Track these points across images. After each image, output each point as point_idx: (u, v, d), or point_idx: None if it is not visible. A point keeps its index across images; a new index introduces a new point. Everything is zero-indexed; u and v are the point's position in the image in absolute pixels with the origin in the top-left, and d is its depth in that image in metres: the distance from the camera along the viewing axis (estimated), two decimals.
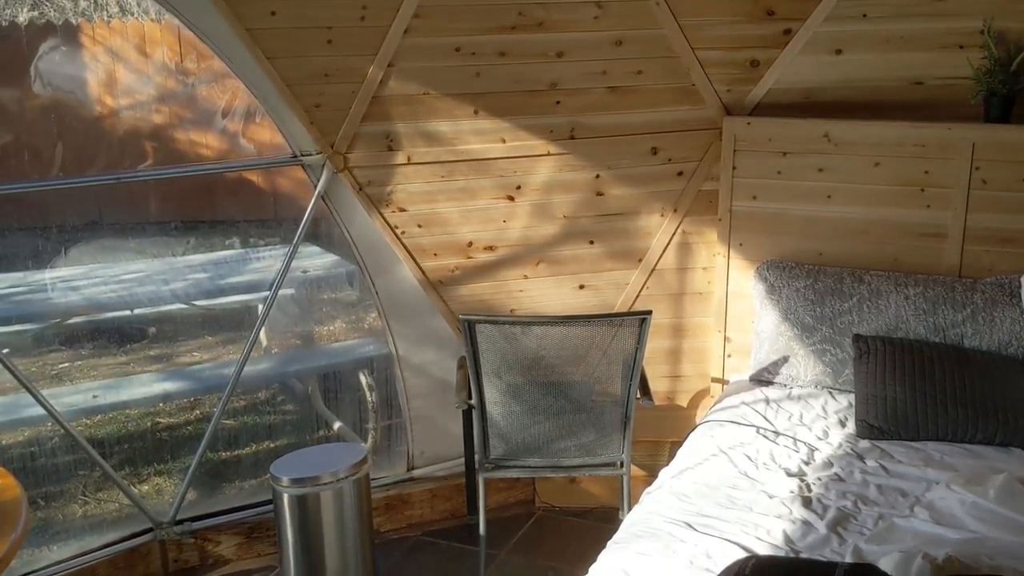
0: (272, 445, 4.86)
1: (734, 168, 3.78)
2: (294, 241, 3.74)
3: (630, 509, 3.37)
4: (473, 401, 3.27)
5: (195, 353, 5.72)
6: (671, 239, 3.93)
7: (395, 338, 3.93)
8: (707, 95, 3.75)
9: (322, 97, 3.48)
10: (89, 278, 5.24)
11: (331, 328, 5.36)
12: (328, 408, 4.93)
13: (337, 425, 4.79)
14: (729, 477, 2.83)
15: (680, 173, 3.87)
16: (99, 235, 5.55)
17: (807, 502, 2.67)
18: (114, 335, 5.53)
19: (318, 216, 3.83)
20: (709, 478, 2.83)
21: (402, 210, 3.73)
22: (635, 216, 3.91)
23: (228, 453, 4.79)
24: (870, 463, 2.93)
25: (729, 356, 3.94)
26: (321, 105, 3.50)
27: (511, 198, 3.80)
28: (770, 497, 2.70)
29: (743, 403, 3.41)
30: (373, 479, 3.99)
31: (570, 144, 3.76)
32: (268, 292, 3.87)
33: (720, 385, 3.96)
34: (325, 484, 3.41)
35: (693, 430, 3.35)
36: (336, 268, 5.01)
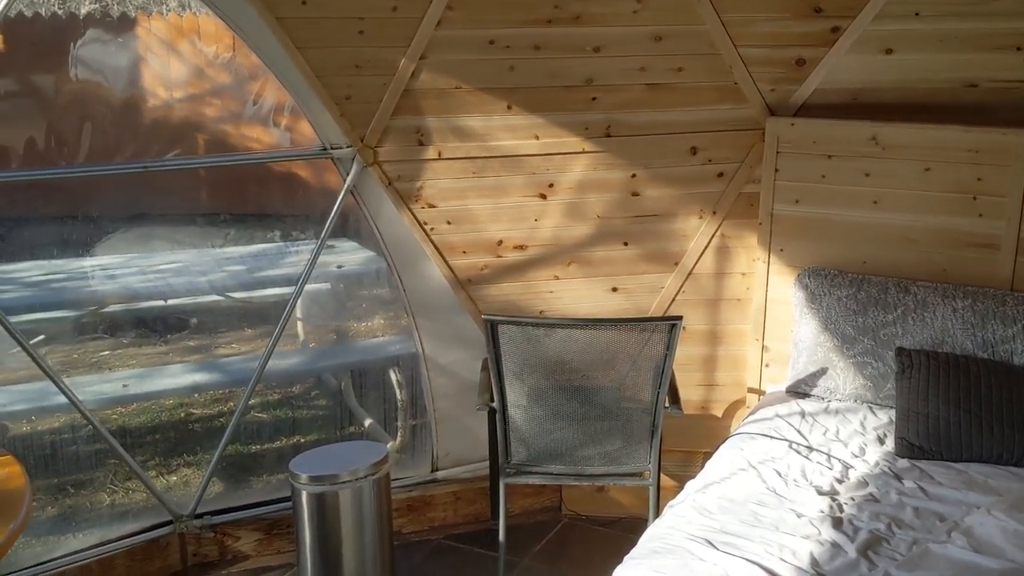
0: (300, 440, 4.82)
1: (776, 170, 3.63)
2: (321, 236, 3.68)
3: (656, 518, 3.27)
4: (495, 403, 3.18)
5: (234, 345, 5.71)
6: (709, 242, 3.80)
7: (422, 336, 3.86)
8: (750, 94, 3.62)
9: (353, 89, 3.42)
10: (127, 267, 5.25)
11: (365, 324, 5.31)
12: (359, 405, 4.89)
13: (368, 422, 4.73)
14: (756, 493, 2.70)
15: (720, 174, 3.73)
16: (139, 224, 5.58)
17: (838, 523, 2.53)
18: (156, 324, 5.55)
19: (348, 211, 3.77)
20: (735, 493, 2.71)
21: (431, 206, 3.65)
22: (672, 218, 3.78)
23: (256, 446, 4.76)
24: (908, 483, 2.78)
25: (767, 366, 3.79)
26: (352, 97, 3.43)
27: (543, 196, 3.70)
28: (798, 516, 2.57)
29: (777, 415, 3.27)
30: (396, 479, 3.93)
31: (606, 142, 3.65)
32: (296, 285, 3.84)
33: (756, 396, 3.82)
34: (344, 483, 3.34)
35: (723, 442, 3.22)
36: (371, 264, 4.95)
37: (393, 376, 4.68)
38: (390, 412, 4.67)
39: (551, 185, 3.68)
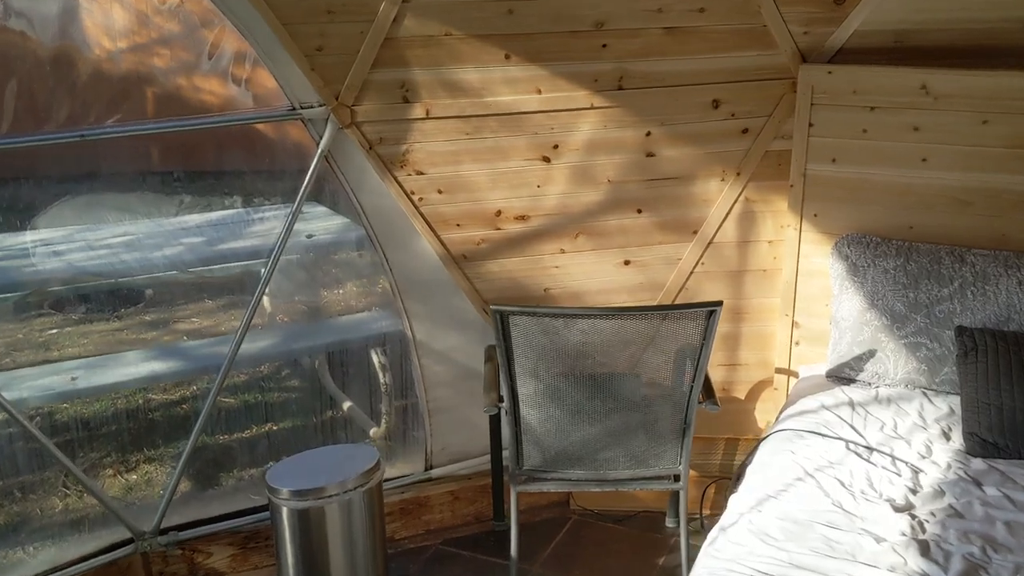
0: (273, 428, 4.38)
1: (811, 125, 3.20)
2: (293, 208, 3.20)
3: (686, 529, 2.89)
4: (505, 404, 2.76)
5: (194, 319, 5.22)
6: (732, 207, 3.38)
7: (412, 321, 3.41)
8: (780, 37, 3.16)
9: (325, 39, 2.92)
10: (71, 241, 4.70)
11: (339, 300, 4.84)
12: (338, 387, 4.46)
13: (347, 405, 4.31)
14: (822, 511, 2.31)
15: (745, 130, 3.30)
16: (82, 191, 5.01)
17: (924, 548, 2.15)
18: (107, 298, 5.03)
19: (321, 175, 3.29)
20: (797, 512, 2.32)
21: (420, 173, 3.18)
22: (691, 181, 3.35)
23: (224, 436, 4.31)
24: (990, 491, 2.41)
25: (797, 344, 3.40)
26: (324, 48, 2.93)
27: (547, 159, 3.24)
28: (877, 541, 2.18)
29: (823, 406, 2.88)
30: (386, 480, 3.51)
31: (617, 95, 3.19)
32: (267, 260, 3.39)
33: (785, 377, 3.43)
34: (331, 496, 2.91)
35: (765, 439, 2.83)
36: (345, 232, 4.46)
37: (375, 357, 4.25)
38: (373, 396, 4.25)
39: (556, 146, 3.22)
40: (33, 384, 3.83)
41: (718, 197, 3.37)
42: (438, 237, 3.27)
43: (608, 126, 3.23)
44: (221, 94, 5.09)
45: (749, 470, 2.68)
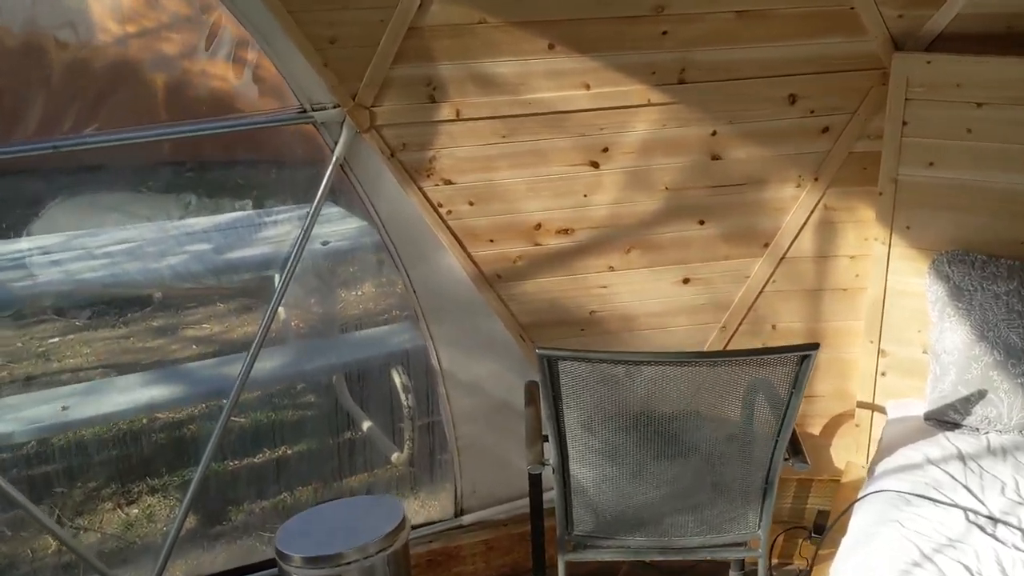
0: (287, 452, 3.99)
1: (904, 123, 2.74)
2: (305, 225, 2.78)
3: None
4: (552, 460, 2.33)
5: (205, 325, 4.84)
6: (809, 217, 2.92)
7: (438, 348, 2.98)
8: (870, 22, 2.70)
9: (338, 29, 2.49)
10: (68, 249, 4.29)
11: (357, 312, 4.43)
12: (356, 404, 4.07)
13: (367, 425, 3.92)
14: None
15: (826, 129, 2.84)
16: (77, 191, 4.61)
17: None
18: (113, 302, 4.65)
19: (338, 181, 2.87)
20: None
21: (448, 182, 2.75)
22: (762, 186, 2.90)
23: (233, 462, 3.92)
24: None
25: (883, 375, 2.95)
26: (337, 40, 2.50)
27: (595, 164, 2.80)
28: None
29: (928, 460, 2.44)
30: (412, 529, 3.10)
31: (678, 90, 2.74)
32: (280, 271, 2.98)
33: (869, 413, 2.99)
34: (350, 563, 2.51)
35: (861, 500, 2.38)
36: (363, 237, 4.03)
37: (397, 377, 3.84)
38: (395, 417, 3.86)
39: (606, 149, 2.78)
40: (19, 416, 3.44)
41: (793, 205, 2.92)
42: (468, 254, 2.85)
43: (667, 125, 2.78)
44: (230, 81, 4.66)
45: (846, 543, 2.24)
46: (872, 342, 2.94)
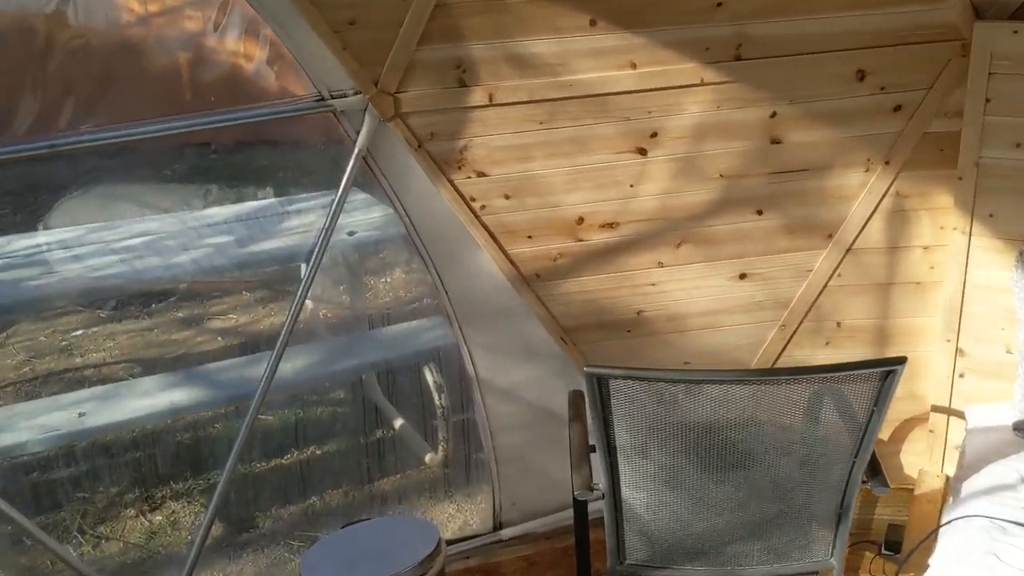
0: (316, 452, 3.81)
1: (987, 100, 2.47)
2: (327, 222, 2.56)
3: None
4: (602, 486, 2.10)
5: (232, 315, 4.67)
6: (878, 205, 2.66)
7: (472, 352, 2.76)
8: None
9: (358, 8, 2.25)
10: (87, 243, 4.10)
11: (387, 304, 4.22)
12: (388, 401, 3.88)
13: (399, 423, 3.74)
14: None
15: (898, 108, 2.56)
16: (95, 182, 4.43)
17: None
18: (136, 295, 4.49)
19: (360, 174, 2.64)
20: None
21: (481, 174, 2.51)
22: (826, 172, 2.63)
23: (260, 465, 3.74)
24: None
25: (961, 376, 2.69)
26: (357, 21, 2.26)
27: (642, 151, 2.54)
28: None
29: (1020, 474, 2.17)
30: (448, 544, 2.90)
31: (734, 68, 2.47)
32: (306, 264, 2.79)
33: (945, 417, 2.73)
34: None
35: (948, 526, 2.13)
36: (391, 227, 3.81)
37: (429, 376, 3.64)
38: (427, 416, 3.67)
39: (654, 135, 2.52)
40: (33, 424, 3.26)
41: (861, 192, 2.65)
42: (504, 252, 2.61)
43: (722, 107, 2.51)
44: (242, 63, 4.44)
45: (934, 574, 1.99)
46: (949, 341, 2.68)
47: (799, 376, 1.90)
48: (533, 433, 2.85)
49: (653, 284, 2.70)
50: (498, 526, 2.95)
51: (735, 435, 1.98)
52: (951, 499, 2.26)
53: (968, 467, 2.31)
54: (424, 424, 3.71)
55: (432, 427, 3.65)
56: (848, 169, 2.63)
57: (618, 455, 2.04)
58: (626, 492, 2.10)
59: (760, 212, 2.65)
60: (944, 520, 2.17)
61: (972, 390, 2.66)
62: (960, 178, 2.54)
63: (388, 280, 4.63)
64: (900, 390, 2.73)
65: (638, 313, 2.73)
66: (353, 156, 2.46)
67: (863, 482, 2.09)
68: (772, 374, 1.89)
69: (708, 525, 2.12)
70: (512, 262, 2.62)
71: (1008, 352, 2.58)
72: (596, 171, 2.55)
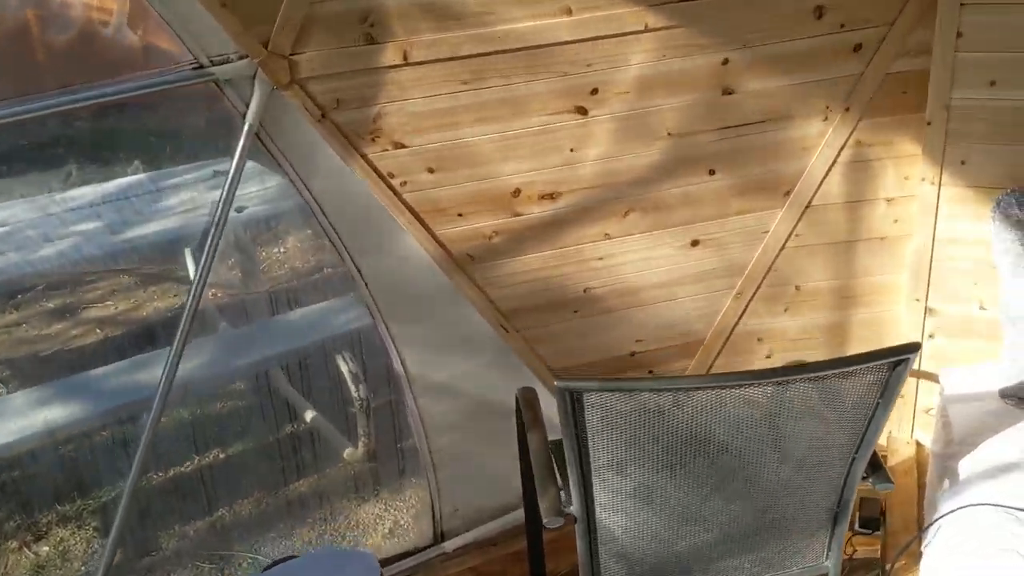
0: (220, 456, 3.42)
1: (959, 35, 2.23)
2: (216, 218, 2.15)
3: None
4: (573, 510, 1.81)
5: (109, 303, 4.16)
6: (838, 156, 2.41)
7: (400, 349, 2.41)
8: None
9: None
10: None
11: (287, 292, 3.81)
12: (298, 392, 3.52)
13: (311, 415, 3.38)
14: None
15: (858, 47, 2.30)
16: None
17: None
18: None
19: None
20: None
21: (399, 146, 2.14)
22: (782, 124, 2.36)
23: (158, 474, 3.33)
24: None
25: (931, 336, 2.50)
26: None
27: (582, 110, 2.22)
28: None
29: (1023, 452, 1.98)
30: (386, 564, 2.59)
31: (681, 10, 2.16)
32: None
33: (914, 381, 2.54)
34: None
35: (948, 516, 1.93)
36: (287, 199, 3.39)
37: (344, 365, 3.29)
38: (345, 408, 3.34)
39: (594, 91, 2.20)
40: None
41: (820, 144, 2.39)
42: (432, 233, 2.26)
43: (668, 55, 2.20)
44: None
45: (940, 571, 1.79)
46: (918, 300, 2.47)
47: (801, 375, 1.63)
48: (472, 431, 2.55)
49: (600, 258, 2.40)
50: (440, 537, 2.64)
51: (728, 444, 1.70)
52: (946, 482, 2.06)
53: (960, 442, 2.11)
54: (341, 417, 3.37)
55: (351, 420, 3.31)
56: (806, 119, 2.36)
57: (592, 476, 1.75)
58: (601, 514, 1.81)
59: (712, 172, 2.37)
60: (944, 508, 1.96)
61: (943, 351, 2.48)
62: (929, 123, 2.31)
63: (282, 250, 4.19)
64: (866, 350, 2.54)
65: (585, 291, 2.43)
66: (243, 133, 2.05)
67: (863, 478, 1.86)
68: (771, 376, 1.62)
69: (694, 542, 1.86)
70: (441, 244, 2.28)
71: (982, 308, 2.40)
72: (532, 136, 2.21)
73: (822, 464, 1.79)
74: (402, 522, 3.08)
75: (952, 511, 1.92)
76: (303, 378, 3.53)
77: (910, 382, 2.55)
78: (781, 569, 1.94)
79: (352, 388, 3.28)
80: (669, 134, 2.29)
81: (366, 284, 2.30)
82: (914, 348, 1.63)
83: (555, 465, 1.90)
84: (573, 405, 1.63)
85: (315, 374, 3.50)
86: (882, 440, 2.66)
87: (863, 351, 1.64)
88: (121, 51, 2.92)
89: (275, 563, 2.19)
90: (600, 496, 1.78)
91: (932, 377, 2.50)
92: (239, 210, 3.38)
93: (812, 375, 1.63)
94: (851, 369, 1.64)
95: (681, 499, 1.78)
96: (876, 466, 1.86)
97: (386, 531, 3.06)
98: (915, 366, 2.49)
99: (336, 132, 2.09)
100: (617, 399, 1.62)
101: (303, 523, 3.17)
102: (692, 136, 2.31)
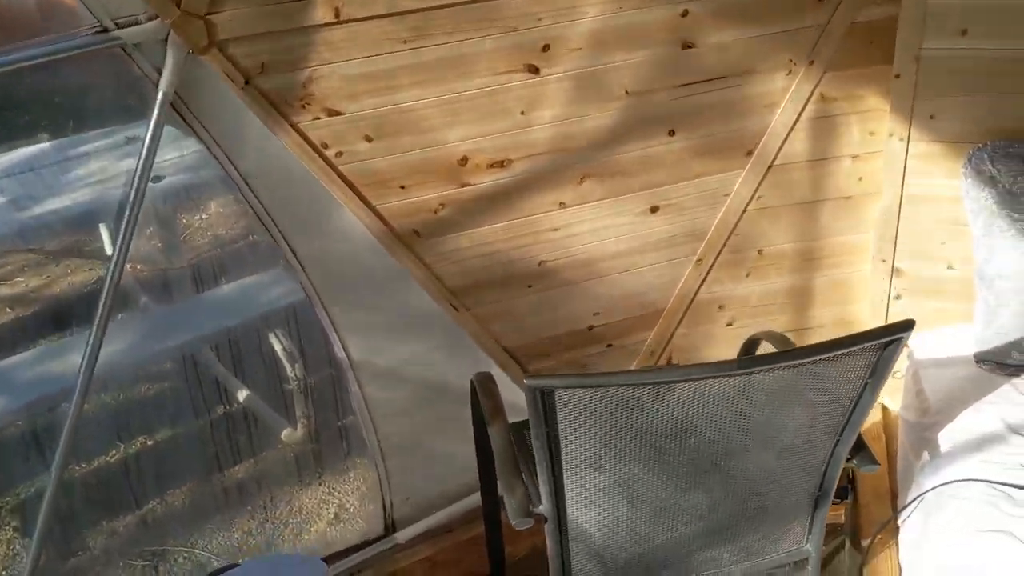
0: (150, 442, 3.22)
1: None
2: (131, 198, 1.92)
3: None
4: (543, 509, 1.66)
5: (19, 279, 3.88)
6: (801, 112, 2.28)
7: (342, 335, 2.23)
8: None
9: None
10: None
11: (212, 263, 3.56)
12: (229, 371, 3.32)
13: (244, 395, 3.19)
14: None
15: None
16: None
17: None
18: None
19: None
20: None
21: (334, 113, 1.94)
22: (745, 79, 2.21)
23: (80, 466, 3.11)
24: None
25: (897, 298, 2.41)
26: None
27: (534, 69, 2.03)
28: None
29: (1009, 427, 1.90)
30: (334, 560, 2.43)
31: None
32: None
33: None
34: None
35: (929, 493, 1.84)
36: (209, 168, 3.14)
37: (277, 344, 3.10)
38: (281, 388, 3.16)
39: (546, 47, 2.01)
40: None
41: (783, 100, 2.25)
42: (372, 208, 2.07)
43: (625, 7, 2.02)
44: None
45: (927, 557, 1.69)
46: (884, 261, 2.37)
47: (785, 363, 1.50)
48: (423, 416, 2.39)
49: (555, 229, 2.24)
50: (391, 527, 2.48)
51: (709, 435, 1.57)
52: (925, 454, 1.97)
53: (937, 412, 2.02)
54: (278, 398, 3.18)
55: (288, 400, 3.13)
56: (769, 73, 2.22)
57: (564, 472, 1.61)
58: (574, 511, 1.67)
59: (672, 133, 2.21)
60: (926, 482, 1.87)
61: (909, 312, 2.38)
62: (897, 76, 2.18)
63: (204, 216, 3.93)
64: (828, 316, 2.45)
65: (540, 264, 2.27)
66: (156, 103, 1.82)
67: (847, 460, 1.75)
68: (756, 363, 1.49)
69: (673, 536, 1.74)
70: (383, 219, 2.09)
71: (950, 268, 2.31)
72: (479, 98, 2.02)
73: (806, 449, 1.67)
74: (348, 506, 2.93)
75: (937, 486, 1.83)
76: (234, 358, 3.32)
77: None
78: (761, 556, 1.83)
79: (288, 367, 3.10)
80: (627, 92, 2.13)
81: (302, 266, 2.10)
82: (907, 326, 1.52)
83: (518, 457, 1.76)
84: (544, 404, 1.48)
85: (247, 354, 3.30)
86: None
87: (854, 333, 1.51)
88: (12, 11, 2.62)
89: (214, 574, 2.01)
90: (572, 493, 1.64)
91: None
92: (157, 179, 3.13)
93: (799, 361, 1.50)
94: (841, 352, 1.52)
95: (660, 492, 1.65)
96: (860, 446, 1.75)
97: (331, 516, 2.90)
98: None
99: (262, 100, 1.88)
100: (592, 395, 1.47)
101: (242, 512, 2.98)
102: (650, 94, 2.14)
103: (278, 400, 3.17)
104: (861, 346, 1.51)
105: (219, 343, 3.23)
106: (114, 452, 3.17)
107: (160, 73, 1.80)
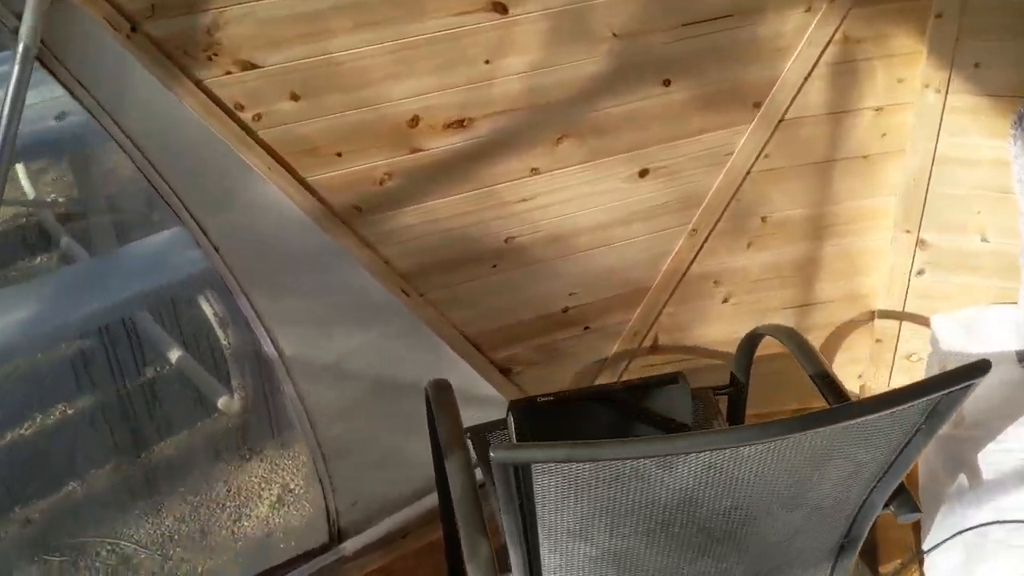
0: (69, 411, 2.90)
1: None
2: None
3: None
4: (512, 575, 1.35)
5: None
6: (820, 57, 1.90)
7: (271, 329, 1.86)
8: None
9: None
10: None
11: (136, 215, 3.13)
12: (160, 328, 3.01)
13: (176, 355, 2.88)
14: None
15: None
16: None
17: None
18: None
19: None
20: None
21: (249, 66, 1.53)
22: (756, 18, 1.82)
23: None
24: None
25: (920, 273, 2.08)
26: None
27: (501, 7, 1.63)
28: None
29: None
30: (276, 569, 2.12)
31: None
32: None
33: (896, 323, 2.14)
34: None
35: (966, 533, 1.55)
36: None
37: (207, 308, 2.77)
38: (211, 353, 2.85)
39: None
40: None
41: (800, 41, 1.87)
42: (302, 181, 1.68)
43: None
44: None
45: None
46: (908, 231, 2.03)
47: (843, 420, 1.17)
48: (368, 414, 2.05)
49: (525, 200, 1.87)
50: (337, 538, 2.17)
51: (727, 503, 1.25)
52: (962, 477, 1.67)
53: (974, 425, 1.72)
54: (211, 367, 2.85)
55: (221, 369, 2.80)
56: (783, 11, 1.83)
57: (540, 543, 1.28)
58: None
59: (667, 83, 1.83)
60: (968, 516, 1.58)
61: (935, 290, 2.08)
62: (938, 15, 1.80)
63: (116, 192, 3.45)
64: (838, 291, 2.13)
65: (507, 240, 1.91)
66: (17, 57, 1.41)
67: (885, 506, 1.45)
68: (805, 425, 1.15)
69: None
70: (315, 194, 1.70)
71: (984, 240, 1.98)
72: (433, 44, 1.62)
73: (838, 504, 1.36)
74: (292, 486, 2.63)
75: (981, 525, 1.54)
76: (163, 322, 2.96)
77: (890, 325, 2.15)
78: None
79: (220, 333, 2.76)
80: (614, 35, 1.73)
81: (216, 250, 1.72)
82: (983, 369, 1.19)
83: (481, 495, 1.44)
84: (517, 478, 1.14)
85: (180, 317, 2.95)
86: (854, 388, 2.28)
87: (918, 382, 1.18)
88: None
89: None
90: (551, 562, 1.32)
91: (918, 319, 2.10)
92: (61, 117, 2.69)
93: (858, 419, 1.17)
94: (884, 406, 1.18)
95: (661, 562, 1.34)
96: (899, 491, 1.45)
97: (274, 499, 2.60)
98: (897, 308, 2.10)
99: (154, 51, 1.47)
100: (580, 468, 1.14)
101: (172, 494, 2.66)
102: (643, 37, 1.75)
103: (212, 369, 2.85)
104: (928, 398, 1.18)
105: (149, 304, 2.89)
106: (29, 424, 2.84)
107: (19, 19, 1.38)
